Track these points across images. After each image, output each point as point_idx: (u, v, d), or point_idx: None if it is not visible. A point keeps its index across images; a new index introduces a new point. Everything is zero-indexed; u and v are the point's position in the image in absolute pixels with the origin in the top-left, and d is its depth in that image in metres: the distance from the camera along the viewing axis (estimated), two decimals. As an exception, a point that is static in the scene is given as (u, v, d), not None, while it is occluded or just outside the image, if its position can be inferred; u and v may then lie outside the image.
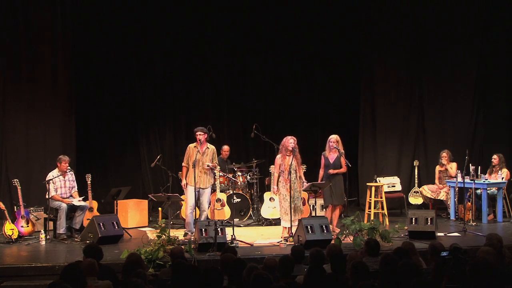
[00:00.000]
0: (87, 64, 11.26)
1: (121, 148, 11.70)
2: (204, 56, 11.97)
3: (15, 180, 9.17)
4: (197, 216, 9.12)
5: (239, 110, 12.21)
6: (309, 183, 8.93)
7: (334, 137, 9.12)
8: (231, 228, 8.47)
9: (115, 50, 11.38)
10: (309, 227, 8.07)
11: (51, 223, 9.09)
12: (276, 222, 9.62)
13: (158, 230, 7.85)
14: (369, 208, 10.04)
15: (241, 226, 9.92)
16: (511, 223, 10.01)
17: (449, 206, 10.44)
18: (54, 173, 9.08)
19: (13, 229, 8.76)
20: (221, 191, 10.05)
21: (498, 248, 5.89)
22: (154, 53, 11.67)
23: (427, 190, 10.82)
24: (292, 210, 8.48)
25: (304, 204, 10.01)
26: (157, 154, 10.94)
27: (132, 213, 10.11)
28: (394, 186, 10.98)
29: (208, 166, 8.95)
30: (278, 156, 8.81)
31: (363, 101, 11.90)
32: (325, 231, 8.11)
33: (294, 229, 8.44)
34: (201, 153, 8.93)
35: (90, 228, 8.57)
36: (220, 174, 9.90)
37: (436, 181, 10.83)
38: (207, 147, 9.01)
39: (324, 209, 9.26)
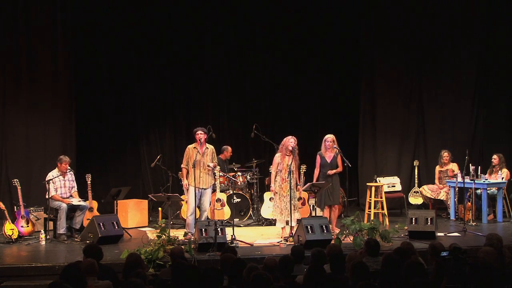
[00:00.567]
0: (87, 64, 11.25)
1: (121, 148, 11.70)
2: (204, 56, 11.96)
3: (15, 180, 9.17)
4: (197, 216, 9.12)
5: (239, 110, 12.21)
6: (309, 183, 8.93)
7: (330, 137, 9.11)
8: (231, 228, 8.47)
9: (115, 50, 11.37)
10: (309, 227, 8.07)
11: (51, 223, 9.09)
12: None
13: (158, 230, 7.85)
14: (369, 208, 10.04)
15: (241, 226, 9.92)
16: (511, 223, 10.01)
17: (449, 206, 10.44)
18: (54, 173, 9.08)
19: (13, 229, 8.76)
20: (221, 191, 10.05)
21: (498, 248, 5.88)
22: (154, 53, 11.65)
23: (427, 190, 10.82)
24: (288, 210, 8.50)
25: (304, 204, 10.04)
26: (157, 154, 10.95)
27: (132, 213, 10.11)
28: (394, 186, 10.98)
29: (209, 166, 8.95)
30: (277, 155, 8.81)
31: (363, 101, 11.90)
32: (325, 231, 8.11)
33: (288, 229, 8.54)
34: (201, 154, 8.93)
35: (90, 228, 8.57)
36: (220, 174, 9.90)
37: (436, 181, 10.83)
38: (206, 147, 9.01)
39: (321, 210, 9.21)
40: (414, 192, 11.04)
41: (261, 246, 8.36)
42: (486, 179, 10.17)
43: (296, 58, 12.15)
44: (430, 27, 11.55)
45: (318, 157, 9.14)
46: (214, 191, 9.81)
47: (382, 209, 9.99)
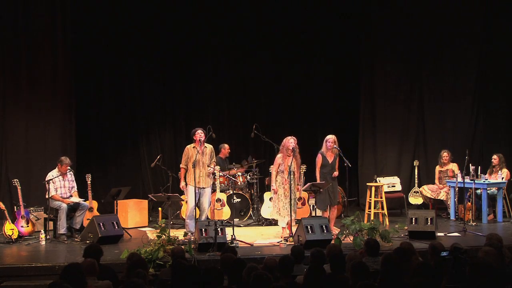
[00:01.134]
0: (87, 64, 11.25)
1: (121, 148, 11.70)
2: (204, 56, 11.95)
3: (15, 180, 9.17)
4: (197, 216, 9.12)
5: (239, 110, 12.21)
6: (309, 183, 8.93)
7: (332, 137, 9.09)
8: (231, 228, 8.47)
9: (115, 50, 11.37)
10: (309, 227, 8.07)
11: (51, 223, 9.09)
12: (276, 222, 9.61)
13: (158, 230, 7.85)
14: (369, 208, 10.04)
15: (241, 226, 9.91)
16: (511, 223, 10.01)
17: (449, 206, 10.44)
18: (54, 173, 9.08)
19: (13, 229, 8.76)
20: (221, 191, 10.06)
21: (498, 248, 5.89)
22: (154, 53, 11.65)
23: (427, 190, 10.82)
24: (288, 210, 8.51)
25: (304, 204, 10.04)
26: (157, 154, 10.94)
27: (132, 213, 10.11)
28: (394, 186, 10.98)
29: (209, 167, 8.95)
30: (279, 156, 8.82)
31: (363, 101, 11.90)
32: (325, 231, 8.11)
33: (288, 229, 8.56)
34: (201, 153, 8.93)
35: (90, 228, 8.57)
36: (220, 174, 9.91)
37: (436, 181, 10.83)
38: (205, 147, 9.02)
39: (324, 211, 9.20)
40: (414, 192, 11.04)
41: (261, 246, 8.36)
42: (486, 179, 10.17)
43: (296, 58, 12.15)
44: (431, 27, 11.54)
45: (319, 157, 9.11)
46: (214, 191, 9.81)
47: (382, 209, 9.99)
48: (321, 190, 8.99)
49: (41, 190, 9.37)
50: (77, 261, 6.06)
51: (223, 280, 5.00)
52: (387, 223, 9.61)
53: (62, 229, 8.88)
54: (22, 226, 8.91)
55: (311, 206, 10.22)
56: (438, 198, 10.65)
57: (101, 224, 8.45)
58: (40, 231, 8.82)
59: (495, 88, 11.79)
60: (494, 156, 10.48)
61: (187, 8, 11.60)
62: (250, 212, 10.44)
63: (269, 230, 9.51)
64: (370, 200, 10.08)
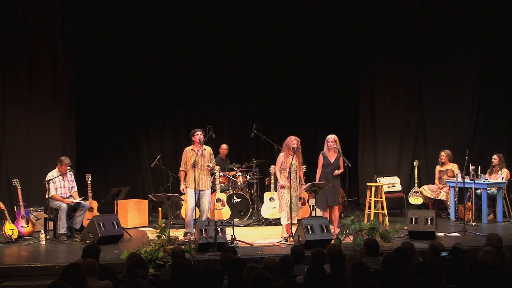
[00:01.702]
0: (87, 64, 11.26)
1: (121, 148, 11.69)
2: (204, 56, 11.95)
3: (15, 180, 9.17)
4: (197, 216, 9.12)
5: (239, 110, 12.21)
6: (309, 183, 8.93)
7: (332, 137, 9.08)
8: (231, 228, 8.47)
9: (115, 50, 11.37)
10: (309, 227, 8.07)
11: (51, 223, 9.09)
12: (276, 222, 9.62)
13: (158, 230, 7.85)
14: (369, 208, 10.04)
15: (241, 226, 9.91)
16: (511, 223, 10.01)
17: (449, 206, 10.44)
18: (54, 173, 9.08)
19: (13, 229, 8.76)
20: (221, 191, 10.06)
21: (498, 248, 5.89)
22: (154, 53, 11.66)
23: (427, 190, 10.82)
24: (291, 209, 8.50)
25: (304, 204, 10.04)
26: (157, 154, 10.94)
27: (132, 213, 10.11)
28: (394, 186, 10.98)
29: (208, 166, 8.94)
30: (281, 154, 8.82)
31: (363, 101, 11.90)
32: (325, 231, 8.11)
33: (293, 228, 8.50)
34: (200, 155, 8.92)
35: (90, 228, 8.57)
36: (220, 174, 9.90)
37: (436, 181, 10.83)
38: (204, 148, 9.01)
39: (323, 211, 9.20)
40: (414, 192, 11.04)
41: (261, 246, 8.35)
42: (486, 179, 10.17)
43: (297, 57, 12.15)
44: (431, 27, 11.54)
45: (321, 157, 9.09)
46: (214, 191, 9.81)
47: (382, 209, 9.99)
48: (321, 190, 8.99)
49: (41, 190, 9.37)
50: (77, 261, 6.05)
51: (223, 280, 4.99)
52: (387, 223, 9.61)
53: (62, 229, 8.88)
54: (22, 226, 8.91)
55: (311, 206, 10.22)
56: (438, 198, 10.65)
57: (101, 224, 8.45)
58: (40, 231, 8.82)
59: (495, 88, 11.79)
60: (494, 156, 10.49)
61: (187, 8, 11.60)
62: (250, 212, 10.44)
63: (269, 230, 9.51)
64: (370, 200, 10.08)
